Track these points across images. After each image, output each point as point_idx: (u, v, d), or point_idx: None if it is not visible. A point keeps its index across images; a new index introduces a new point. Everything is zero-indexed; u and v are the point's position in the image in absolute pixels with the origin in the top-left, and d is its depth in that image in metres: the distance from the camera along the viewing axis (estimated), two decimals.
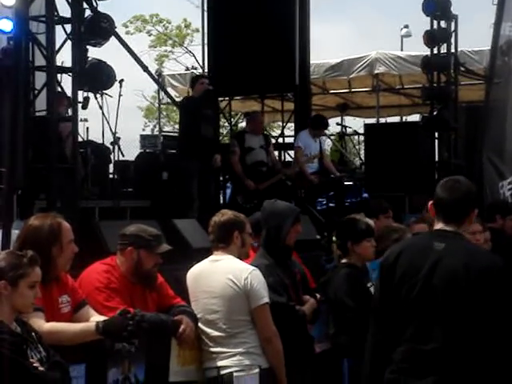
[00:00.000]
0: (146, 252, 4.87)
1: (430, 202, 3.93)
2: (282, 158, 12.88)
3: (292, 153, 12.12)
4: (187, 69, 19.08)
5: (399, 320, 3.76)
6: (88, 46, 8.00)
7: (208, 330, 4.95)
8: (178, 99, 16.48)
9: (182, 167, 9.45)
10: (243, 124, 16.97)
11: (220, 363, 4.89)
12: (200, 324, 4.98)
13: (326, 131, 12.78)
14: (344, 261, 5.78)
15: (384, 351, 3.80)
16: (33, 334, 3.82)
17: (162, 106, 19.50)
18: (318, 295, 5.63)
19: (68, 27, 7.73)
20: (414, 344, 3.69)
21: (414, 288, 3.71)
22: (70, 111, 7.89)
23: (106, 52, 8.55)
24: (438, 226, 3.86)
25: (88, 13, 7.97)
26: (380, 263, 3.96)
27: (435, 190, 3.92)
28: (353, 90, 16.56)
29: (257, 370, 4.88)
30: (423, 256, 3.75)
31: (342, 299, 5.45)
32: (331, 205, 11.16)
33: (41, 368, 3.64)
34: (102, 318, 4.34)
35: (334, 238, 6.03)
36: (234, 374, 4.85)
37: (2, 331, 3.60)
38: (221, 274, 4.96)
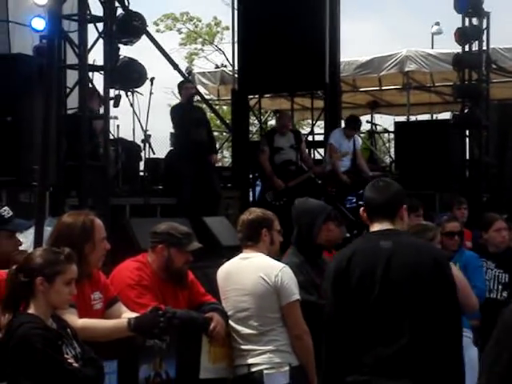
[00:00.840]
0: (177, 250, 4.91)
1: (362, 208, 4.03)
2: (312, 155, 12.87)
3: (321, 151, 12.12)
4: (217, 66, 19.13)
5: (360, 324, 3.75)
6: (120, 45, 8.04)
7: (238, 328, 4.97)
8: (208, 97, 16.56)
9: (176, 172, 9.52)
10: (273, 122, 17.03)
11: (250, 361, 4.91)
12: (230, 321, 5.00)
13: None
14: None
15: (344, 359, 3.79)
16: (68, 330, 3.84)
17: None
18: None
19: (100, 26, 7.79)
20: (384, 344, 3.69)
21: (374, 289, 3.72)
22: (101, 109, 7.93)
23: (137, 50, 8.61)
24: (375, 227, 3.92)
25: (120, 11, 8.01)
26: (332, 268, 3.93)
27: (364, 193, 4.03)
28: (383, 87, 16.48)
29: (287, 368, 4.88)
30: (374, 256, 3.78)
31: None
32: (361, 203, 11.10)
33: (75, 364, 3.67)
34: (133, 315, 4.37)
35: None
36: (265, 371, 4.86)
37: (37, 327, 3.63)
38: (251, 272, 4.98)
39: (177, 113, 9.74)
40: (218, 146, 18.04)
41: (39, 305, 3.74)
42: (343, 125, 11.57)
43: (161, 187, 10.74)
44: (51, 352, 3.57)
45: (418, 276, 3.72)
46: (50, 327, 3.73)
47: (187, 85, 10.18)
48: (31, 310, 3.73)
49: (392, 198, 3.97)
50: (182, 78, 12.42)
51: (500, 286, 6.64)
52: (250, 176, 11.60)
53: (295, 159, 10.65)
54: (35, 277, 3.73)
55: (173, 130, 10.25)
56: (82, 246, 4.33)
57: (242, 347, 4.96)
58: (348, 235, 9.18)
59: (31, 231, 5.99)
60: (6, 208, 4.42)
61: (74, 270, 3.87)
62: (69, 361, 3.64)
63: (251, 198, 11.34)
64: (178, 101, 11.40)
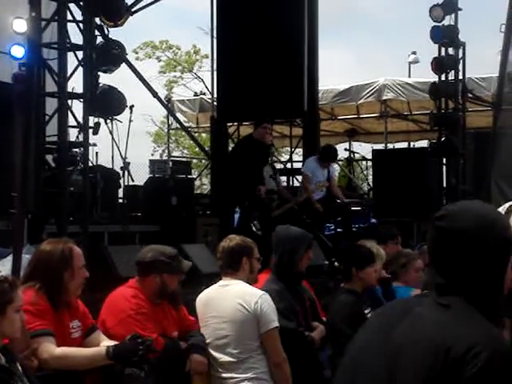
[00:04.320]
0: (169, 275, 4.89)
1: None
2: (291, 183, 12.93)
3: (300, 178, 12.16)
4: (196, 94, 19.19)
5: None
6: (99, 73, 8.07)
7: (217, 355, 4.96)
8: (187, 124, 16.61)
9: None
10: None
11: None
12: (209, 349, 4.99)
13: None
14: (345, 286, 5.78)
15: None
16: (17, 364, 3.70)
17: (171, 131, 19.61)
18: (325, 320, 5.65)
19: (79, 54, 7.81)
20: None
21: None
22: (80, 137, 7.95)
23: (116, 78, 8.64)
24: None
25: (99, 39, 8.05)
26: None
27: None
28: (361, 115, 16.64)
29: None
30: None
31: (338, 325, 5.41)
32: (339, 230, 11.18)
33: None
34: (112, 343, 4.36)
35: (335, 264, 6.04)
36: None
37: None
38: (231, 299, 4.98)
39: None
40: (196, 173, 18.21)
41: None
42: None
43: (139, 214, 10.74)
44: None
45: None
46: (1, 364, 3.58)
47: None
48: None
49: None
50: (161, 106, 12.50)
51: None
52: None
53: (276, 189, 10.70)
54: None
55: (152, 157, 10.27)
56: (61, 274, 4.31)
57: (221, 375, 4.95)
58: (326, 262, 9.21)
59: (9, 258, 5.97)
60: None
61: (21, 296, 3.79)
62: None
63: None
64: (156, 128, 11.39)
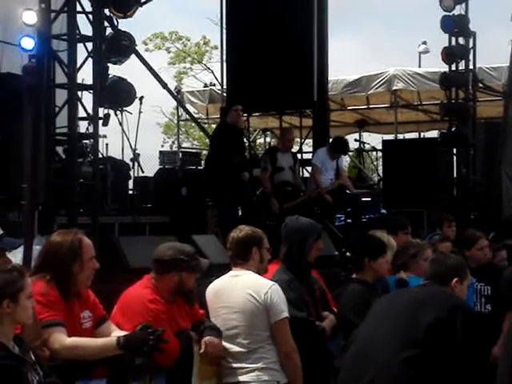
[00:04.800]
0: (188, 273, 4.88)
1: None
2: (300, 174, 12.91)
3: (310, 169, 12.15)
4: (206, 85, 19.17)
5: None
6: (109, 64, 8.06)
7: (227, 346, 4.97)
8: (196, 115, 16.61)
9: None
10: (261, 140, 17.11)
11: (239, 378, 4.91)
12: None
13: None
14: (355, 276, 5.78)
15: None
16: (30, 353, 3.78)
17: (180, 122, 19.58)
18: (336, 310, 5.65)
19: (89, 45, 7.81)
20: None
21: None
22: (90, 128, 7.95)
23: (126, 69, 8.63)
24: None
25: (109, 31, 8.04)
26: None
27: None
28: (371, 106, 16.58)
29: None
30: None
31: (348, 315, 5.40)
32: (349, 221, 11.18)
33: None
34: (122, 333, 4.37)
35: (347, 254, 6.04)
36: None
37: (3, 356, 3.57)
38: (241, 289, 4.99)
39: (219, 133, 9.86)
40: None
41: (3, 329, 3.70)
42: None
43: (150, 205, 10.76)
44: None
45: None
46: (14, 354, 3.66)
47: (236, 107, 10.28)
48: None
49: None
50: (171, 97, 12.49)
51: (483, 299, 6.68)
52: None
53: (292, 181, 10.70)
54: (0, 300, 3.69)
55: (162, 149, 10.29)
56: (70, 266, 4.33)
57: (231, 365, 4.96)
58: (337, 253, 9.21)
59: (20, 250, 6.00)
60: None
61: (30, 283, 3.85)
62: None
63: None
64: (166, 119, 11.39)
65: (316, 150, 11.34)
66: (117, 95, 7.93)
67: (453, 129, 11.85)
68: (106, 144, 10.54)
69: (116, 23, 8.17)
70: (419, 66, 19.63)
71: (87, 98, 7.89)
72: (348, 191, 10.97)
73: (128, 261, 7.21)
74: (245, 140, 11.42)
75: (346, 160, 14.53)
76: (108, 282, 5.83)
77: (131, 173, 10.51)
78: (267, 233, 5.37)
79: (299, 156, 13.25)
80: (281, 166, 10.58)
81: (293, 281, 5.33)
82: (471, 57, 11.94)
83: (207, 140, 16.38)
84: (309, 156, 12.84)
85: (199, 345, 4.84)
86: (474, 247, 6.92)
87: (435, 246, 6.93)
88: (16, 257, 5.92)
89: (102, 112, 8.34)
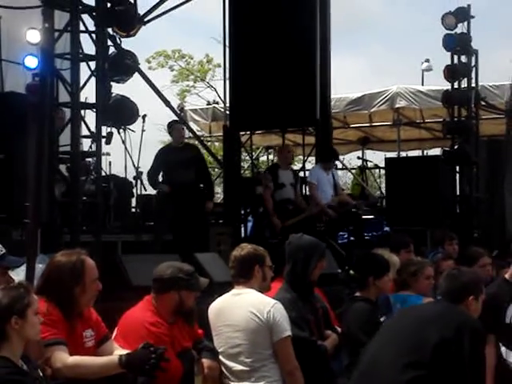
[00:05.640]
0: (187, 292, 4.87)
1: None
2: (303, 191, 12.92)
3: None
4: (209, 103, 19.23)
5: None
6: (112, 82, 8.09)
7: (230, 364, 4.97)
8: (199, 133, 16.64)
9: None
10: (264, 158, 17.13)
11: None
12: (222, 358, 5.00)
13: (347, 165, 12.76)
14: (359, 294, 5.77)
15: None
16: (39, 371, 3.79)
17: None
18: (339, 329, 5.64)
19: (92, 64, 7.84)
20: None
21: None
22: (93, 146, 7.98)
23: (129, 87, 8.67)
24: None
25: (112, 50, 8.08)
26: None
27: None
28: (374, 123, 16.60)
29: None
30: None
31: (355, 333, 5.40)
32: (352, 238, 11.17)
33: None
34: (125, 352, 4.37)
35: (350, 272, 6.03)
36: None
37: (13, 372, 3.57)
38: (243, 308, 4.99)
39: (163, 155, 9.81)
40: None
41: (12, 346, 3.70)
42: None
43: (152, 223, 10.75)
44: None
45: None
46: (25, 371, 3.67)
47: (177, 126, 10.27)
48: (3, 353, 3.66)
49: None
50: (174, 115, 12.52)
51: None
52: (242, 212, 11.63)
53: (293, 198, 10.72)
54: (8, 318, 3.69)
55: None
56: (72, 289, 4.33)
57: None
58: (340, 271, 9.19)
59: (22, 268, 5.98)
60: None
61: (36, 299, 3.86)
62: None
63: (243, 234, 11.36)
64: (169, 137, 11.38)
65: (310, 169, 11.40)
66: (120, 114, 7.95)
67: (456, 146, 11.85)
68: (109, 162, 10.57)
69: (119, 42, 8.21)
70: (422, 84, 19.71)
71: (90, 116, 7.92)
72: (347, 205, 10.99)
73: (130, 279, 7.21)
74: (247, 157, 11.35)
75: (348, 177, 14.55)
76: (111, 300, 5.82)
77: (134, 191, 10.52)
78: (269, 250, 5.38)
79: (302, 174, 13.27)
80: (282, 182, 10.63)
81: (295, 299, 5.33)
82: (473, 75, 11.96)
83: (210, 158, 16.43)
84: None
85: (198, 365, 4.83)
86: (476, 264, 6.92)
87: (438, 264, 6.93)
88: (19, 275, 5.90)
89: (105, 130, 8.36)
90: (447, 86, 11.97)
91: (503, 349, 5.55)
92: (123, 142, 9.81)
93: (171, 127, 10.20)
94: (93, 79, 7.90)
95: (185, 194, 9.45)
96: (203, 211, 9.99)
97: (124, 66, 8.00)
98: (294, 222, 10.21)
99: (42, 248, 7.06)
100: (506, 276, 5.87)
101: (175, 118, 12.04)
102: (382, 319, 5.52)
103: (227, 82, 12.77)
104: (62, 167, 8.42)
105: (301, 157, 14.26)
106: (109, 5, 7.83)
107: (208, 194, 10.29)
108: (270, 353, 4.92)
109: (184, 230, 9.32)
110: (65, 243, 7.25)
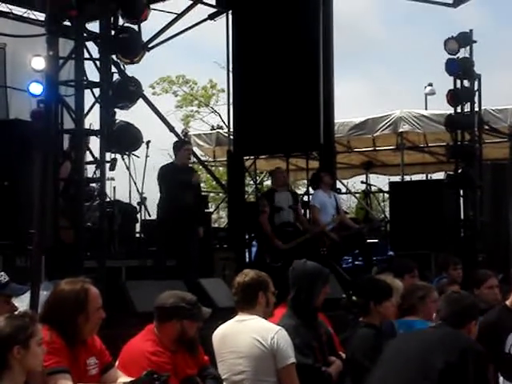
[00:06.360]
0: (189, 321, 4.82)
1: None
2: (308, 216, 12.92)
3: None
4: (213, 128, 19.31)
5: None
6: (116, 109, 8.13)
7: None
8: (203, 158, 16.68)
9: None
10: (268, 182, 17.16)
11: None
12: None
13: (351, 189, 12.74)
14: (363, 320, 5.75)
15: None
16: None
17: None
18: (343, 355, 5.62)
19: (96, 91, 7.89)
20: None
21: None
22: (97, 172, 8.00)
23: (133, 112, 8.71)
24: None
25: (116, 76, 8.12)
26: None
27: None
28: (377, 148, 16.64)
29: None
30: None
31: (359, 360, 5.36)
32: (357, 263, 11.16)
33: None
34: (129, 380, 4.35)
35: (353, 297, 6.00)
36: None
37: None
38: (247, 334, 4.98)
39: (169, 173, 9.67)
40: (213, 206, 18.18)
41: (13, 375, 3.68)
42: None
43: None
44: None
45: None
46: None
47: (188, 146, 10.20)
48: (4, 382, 3.64)
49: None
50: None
51: None
52: (246, 236, 11.64)
53: (293, 220, 10.71)
54: (11, 347, 3.68)
55: None
56: (75, 318, 4.30)
57: None
58: (344, 295, 9.16)
59: (27, 295, 5.98)
60: (2, 273, 4.43)
61: (41, 329, 3.85)
62: None
63: (247, 259, 11.36)
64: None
65: (313, 193, 11.42)
66: (124, 140, 7.97)
67: (459, 170, 11.86)
68: (114, 187, 10.60)
69: (123, 68, 8.25)
70: (426, 108, 19.75)
71: (95, 142, 7.95)
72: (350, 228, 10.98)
73: (135, 305, 7.20)
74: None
75: (353, 201, 14.57)
76: (115, 327, 5.82)
77: (138, 216, 10.53)
78: (273, 275, 5.37)
79: (305, 198, 13.30)
80: (279, 205, 10.60)
81: (299, 326, 5.31)
82: (476, 99, 11.99)
83: (214, 183, 16.47)
84: None
85: None
86: (483, 286, 6.91)
87: (443, 289, 6.90)
88: (23, 302, 5.91)
89: (109, 156, 8.39)
90: (450, 110, 12.00)
91: (501, 379, 5.49)
92: (127, 167, 9.84)
93: (180, 146, 10.05)
94: (97, 106, 7.94)
95: (189, 217, 9.40)
96: (208, 235, 9.97)
97: (128, 92, 8.02)
98: (296, 244, 10.22)
99: (47, 274, 7.07)
100: (507, 303, 5.83)
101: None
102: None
103: (231, 106, 12.84)
104: None
105: (304, 181, 14.27)
106: (113, 32, 7.88)
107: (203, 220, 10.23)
108: (274, 380, 4.90)
109: (188, 255, 9.26)
110: (70, 269, 7.24)
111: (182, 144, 10.14)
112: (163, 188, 9.48)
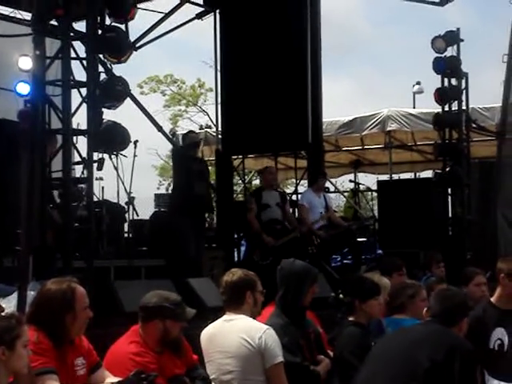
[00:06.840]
0: (172, 321, 4.82)
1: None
2: (296, 215, 12.92)
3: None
4: (201, 128, 19.28)
5: None
6: (103, 109, 8.11)
7: None
8: None
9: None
10: (257, 181, 17.16)
11: None
12: None
13: (340, 188, 12.76)
14: (351, 318, 5.76)
15: None
16: None
17: None
18: (331, 353, 5.62)
19: (83, 90, 7.86)
20: None
21: None
22: (85, 172, 7.97)
23: (121, 112, 8.69)
24: None
25: (103, 76, 8.10)
26: None
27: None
28: (365, 146, 16.67)
29: None
30: None
31: (347, 358, 5.36)
32: (346, 261, 11.17)
33: None
34: (116, 380, 4.34)
35: (340, 296, 6.01)
36: None
37: None
38: (235, 334, 4.98)
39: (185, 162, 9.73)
40: None
41: None
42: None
43: (145, 249, 10.73)
44: None
45: None
46: None
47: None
48: None
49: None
50: (165, 140, 12.54)
51: None
52: (235, 236, 11.63)
53: (281, 218, 10.71)
54: None
55: (158, 191, 10.27)
56: (62, 318, 4.29)
57: None
58: (333, 294, 9.17)
59: (14, 296, 5.97)
60: None
61: (27, 332, 3.84)
62: None
63: (236, 258, 11.35)
64: (161, 162, 11.33)
65: (302, 193, 11.44)
66: (111, 140, 7.95)
67: (447, 169, 11.90)
68: (102, 187, 10.57)
69: (110, 68, 8.22)
70: (414, 107, 19.80)
71: (82, 142, 7.92)
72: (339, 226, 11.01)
73: (123, 305, 7.18)
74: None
75: (341, 200, 14.60)
76: (103, 327, 5.80)
77: (126, 216, 10.50)
78: (261, 273, 5.37)
79: (294, 197, 13.30)
80: (266, 203, 10.61)
81: (287, 325, 5.32)
82: (464, 97, 12.04)
83: None
84: None
85: None
86: (471, 283, 6.94)
87: (431, 287, 6.91)
88: (10, 303, 5.90)
89: (96, 156, 8.36)
90: (438, 108, 12.04)
91: (486, 375, 5.51)
92: (115, 167, 9.80)
93: (192, 135, 10.09)
94: (84, 105, 7.90)
95: (201, 208, 9.50)
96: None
97: (115, 92, 7.99)
98: (285, 241, 10.23)
99: (34, 274, 7.04)
100: (492, 299, 5.85)
101: (168, 142, 12.03)
102: (373, 343, 5.50)
103: (219, 106, 12.82)
104: (55, 193, 8.40)
105: (293, 180, 14.27)
106: (100, 32, 7.86)
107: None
108: (263, 379, 4.89)
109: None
110: (57, 269, 7.22)
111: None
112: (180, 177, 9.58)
